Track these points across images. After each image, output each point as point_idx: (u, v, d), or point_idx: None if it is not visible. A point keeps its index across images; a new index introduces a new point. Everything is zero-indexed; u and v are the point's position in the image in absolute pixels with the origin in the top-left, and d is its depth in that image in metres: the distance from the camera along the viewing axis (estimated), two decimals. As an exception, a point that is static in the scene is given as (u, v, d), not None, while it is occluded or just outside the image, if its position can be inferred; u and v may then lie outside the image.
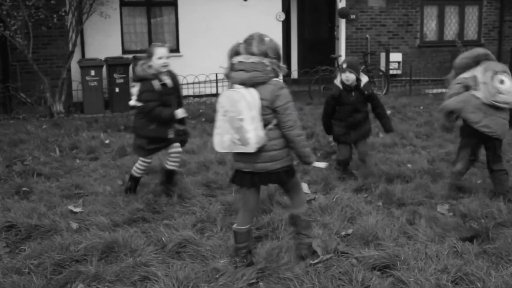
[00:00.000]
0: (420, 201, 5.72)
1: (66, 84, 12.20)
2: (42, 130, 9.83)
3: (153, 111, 5.68)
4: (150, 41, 14.18)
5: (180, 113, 5.85)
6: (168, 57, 5.75)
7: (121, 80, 12.49)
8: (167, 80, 5.80)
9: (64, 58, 12.30)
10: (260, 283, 4.03)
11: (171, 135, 5.84)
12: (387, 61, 15.16)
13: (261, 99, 3.94)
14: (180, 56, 14.18)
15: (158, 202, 5.80)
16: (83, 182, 6.63)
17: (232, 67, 4.06)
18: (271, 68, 4.00)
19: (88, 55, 13.32)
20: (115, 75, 12.43)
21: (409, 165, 7.00)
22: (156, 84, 5.69)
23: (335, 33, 16.58)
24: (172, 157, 6.02)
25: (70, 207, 5.64)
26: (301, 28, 16.95)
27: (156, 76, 5.69)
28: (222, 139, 4.03)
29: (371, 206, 5.64)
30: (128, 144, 8.59)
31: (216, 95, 13.02)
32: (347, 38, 16.07)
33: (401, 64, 16.21)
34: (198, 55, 14.18)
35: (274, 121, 4.01)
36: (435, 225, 5.03)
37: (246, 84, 3.95)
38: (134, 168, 6.08)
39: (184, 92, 13.46)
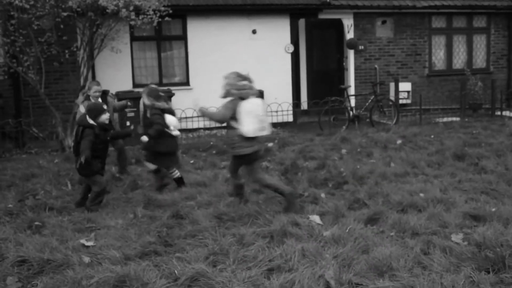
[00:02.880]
0: (434, 231, 5.66)
1: (78, 118, 12.31)
2: (54, 165, 9.89)
3: None
4: (161, 75, 14.34)
5: None
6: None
7: (132, 114, 12.57)
8: None
9: (76, 93, 12.43)
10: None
11: None
12: (397, 91, 15.20)
13: None
14: (190, 89, 14.30)
15: (170, 235, 5.78)
16: (95, 215, 6.63)
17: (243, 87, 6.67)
18: None
19: (99, 89, 13.46)
20: (126, 109, 12.51)
21: (421, 195, 6.94)
22: None
23: (344, 64, 16.69)
24: None
25: (82, 241, 5.63)
26: (310, 60, 17.07)
27: None
28: (254, 127, 6.47)
29: (384, 236, 5.60)
30: (140, 177, 8.61)
31: (226, 127, 13.06)
32: (356, 69, 16.17)
33: (410, 94, 16.25)
34: (208, 88, 14.24)
35: None
36: (450, 254, 4.97)
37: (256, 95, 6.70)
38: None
39: (195, 124, 13.58)
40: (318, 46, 17.18)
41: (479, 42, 17.44)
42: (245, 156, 6.65)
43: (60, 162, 10.11)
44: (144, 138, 7.50)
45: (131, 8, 11.69)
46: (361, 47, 16.06)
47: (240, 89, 6.65)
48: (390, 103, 14.95)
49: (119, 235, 5.84)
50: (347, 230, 5.65)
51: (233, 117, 6.61)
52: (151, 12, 12.05)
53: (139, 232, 5.91)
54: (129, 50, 13.90)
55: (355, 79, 16.16)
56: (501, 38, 17.51)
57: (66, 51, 12.27)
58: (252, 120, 6.52)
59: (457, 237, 5.39)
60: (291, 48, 15.12)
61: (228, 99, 6.73)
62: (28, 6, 11.19)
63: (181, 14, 14.12)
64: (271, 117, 14.24)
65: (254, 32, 14.80)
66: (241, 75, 6.83)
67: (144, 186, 8.19)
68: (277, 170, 8.80)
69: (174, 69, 14.69)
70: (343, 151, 10.31)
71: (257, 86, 14.76)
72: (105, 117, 7.15)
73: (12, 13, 11.46)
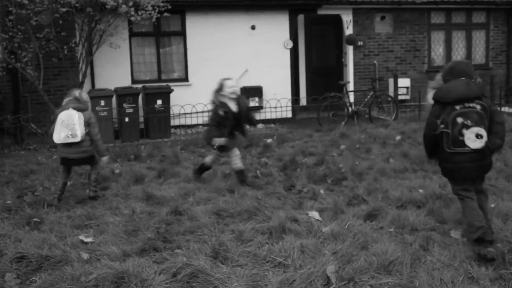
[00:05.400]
0: (433, 227, 5.67)
1: (76, 114, 12.27)
2: (52, 161, 9.87)
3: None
4: (159, 71, 14.32)
5: None
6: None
7: (131, 110, 12.55)
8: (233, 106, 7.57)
9: (74, 89, 12.40)
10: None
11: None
12: (396, 87, 15.18)
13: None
14: (189, 85, 14.27)
15: (169, 231, 5.78)
16: (93, 212, 6.63)
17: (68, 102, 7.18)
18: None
19: (98, 85, 13.44)
20: (124, 105, 12.50)
21: (420, 190, 6.94)
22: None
23: (343, 59, 16.66)
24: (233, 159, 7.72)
25: (81, 237, 5.62)
26: (309, 56, 17.05)
27: (224, 104, 7.51)
28: (60, 135, 7.01)
29: (383, 232, 5.60)
30: (142, 174, 8.57)
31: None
32: (355, 65, 16.14)
33: (409, 89, 16.23)
34: (207, 84, 14.15)
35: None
36: (449, 250, 4.97)
37: (75, 108, 7.10)
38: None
39: (194, 121, 13.57)
40: (317, 42, 17.15)
41: (478, 38, 17.41)
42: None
43: (59, 158, 10.08)
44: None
45: (130, 3, 11.66)
46: (360, 43, 16.03)
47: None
48: (389, 99, 14.94)
49: (118, 231, 5.83)
50: (346, 226, 5.65)
51: None
52: (150, 8, 12.03)
53: (137, 228, 5.91)
54: (127, 46, 13.86)
55: (354, 75, 16.13)
56: (500, 33, 17.48)
57: (65, 47, 12.24)
58: (61, 128, 7.06)
59: (456, 233, 5.40)
60: (290, 44, 15.10)
61: None
62: (26, 2, 11.16)
63: (180, 9, 14.08)
64: (270, 113, 14.25)
65: (253, 28, 14.76)
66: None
67: (143, 182, 8.18)
68: (276, 166, 8.79)
69: (173, 65, 14.65)
70: (342, 147, 10.30)
71: (256, 82, 14.81)
72: None
73: (10, 8, 11.42)
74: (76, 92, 7.40)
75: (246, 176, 7.87)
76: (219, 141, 7.51)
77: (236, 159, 7.73)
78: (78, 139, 7.06)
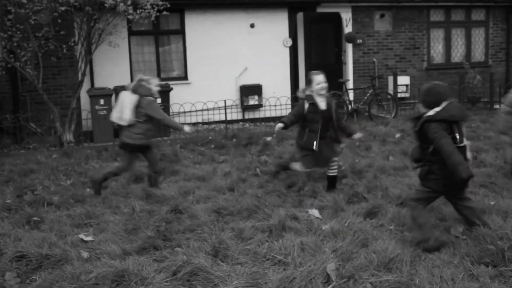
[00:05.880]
0: (433, 224, 5.65)
1: (76, 113, 12.28)
2: (52, 160, 9.86)
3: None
4: (159, 69, 14.31)
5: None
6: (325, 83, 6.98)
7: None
8: (321, 103, 6.92)
9: (74, 88, 12.41)
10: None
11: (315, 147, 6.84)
12: (395, 85, 15.18)
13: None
14: (189, 83, 14.27)
15: (169, 229, 5.77)
16: (93, 211, 6.62)
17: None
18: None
19: (97, 84, 13.43)
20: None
21: (420, 188, 6.93)
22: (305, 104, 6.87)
23: (342, 57, 16.65)
24: (330, 166, 7.10)
25: (81, 236, 5.62)
26: (309, 54, 17.04)
27: (311, 97, 6.88)
28: (113, 115, 7.18)
29: (383, 229, 5.60)
30: (141, 172, 8.56)
31: (225, 121, 13.07)
32: (354, 63, 16.14)
33: (409, 87, 16.22)
34: (206, 82, 14.26)
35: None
36: (449, 248, 4.97)
37: (135, 91, 7.12)
38: (294, 165, 7.34)
39: (193, 119, 13.56)
40: (316, 40, 17.14)
41: (478, 35, 17.41)
42: None
43: (58, 157, 10.09)
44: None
45: (129, 2, 11.65)
46: (359, 41, 16.03)
47: None
48: (389, 96, 14.94)
49: (118, 230, 5.83)
50: (346, 224, 5.65)
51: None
52: (149, 7, 12.01)
53: (137, 227, 5.91)
54: (127, 45, 13.85)
55: (354, 73, 16.13)
56: (499, 31, 17.49)
57: (64, 46, 12.22)
58: (116, 108, 7.23)
59: (456, 231, 5.39)
60: (290, 42, 15.09)
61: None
62: (25, 1, 11.14)
63: (179, 8, 14.07)
64: (269, 111, 14.24)
65: (252, 26, 14.76)
66: None
67: (143, 180, 8.17)
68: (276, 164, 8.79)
69: (172, 64, 14.65)
70: (342, 145, 10.28)
71: (256, 80, 14.80)
72: None
73: (9, 8, 11.41)
74: (142, 75, 7.42)
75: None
76: (278, 126, 6.81)
77: (334, 165, 7.14)
78: (124, 122, 7.13)
